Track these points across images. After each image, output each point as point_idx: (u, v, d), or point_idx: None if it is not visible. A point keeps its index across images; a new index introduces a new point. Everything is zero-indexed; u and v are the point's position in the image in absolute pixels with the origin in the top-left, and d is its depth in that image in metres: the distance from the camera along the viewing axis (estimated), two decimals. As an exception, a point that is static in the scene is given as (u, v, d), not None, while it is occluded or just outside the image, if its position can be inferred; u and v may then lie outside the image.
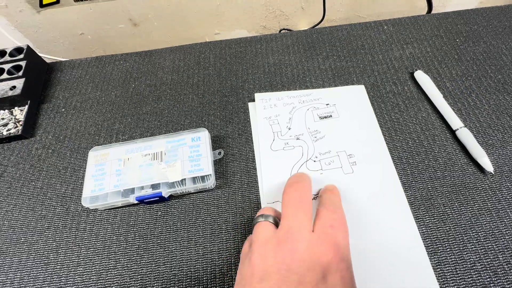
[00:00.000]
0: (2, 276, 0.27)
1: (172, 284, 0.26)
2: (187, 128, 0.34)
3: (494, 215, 0.27)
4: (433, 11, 0.55)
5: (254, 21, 0.59)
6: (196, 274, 0.26)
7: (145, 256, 0.27)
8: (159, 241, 0.28)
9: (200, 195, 0.30)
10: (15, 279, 0.27)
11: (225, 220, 0.28)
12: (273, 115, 0.34)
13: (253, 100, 0.36)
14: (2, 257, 0.28)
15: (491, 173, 0.29)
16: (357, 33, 0.41)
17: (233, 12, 0.56)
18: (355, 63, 0.38)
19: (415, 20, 0.42)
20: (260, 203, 0.29)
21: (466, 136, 0.31)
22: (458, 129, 0.31)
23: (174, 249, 0.27)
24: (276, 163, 0.31)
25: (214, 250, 0.27)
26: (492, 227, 0.27)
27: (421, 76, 0.35)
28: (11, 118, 0.36)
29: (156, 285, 0.26)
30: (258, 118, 0.34)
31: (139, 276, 0.26)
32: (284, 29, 0.61)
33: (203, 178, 0.29)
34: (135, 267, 0.27)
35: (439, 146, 0.31)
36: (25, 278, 0.27)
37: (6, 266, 0.27)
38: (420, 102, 0.35)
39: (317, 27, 0.44)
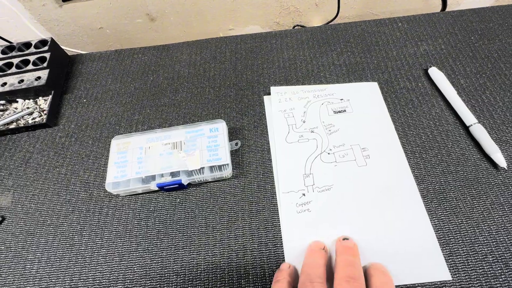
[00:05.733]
0: (30, 255, 0.29)
1: (190, 267, 0.27)
2: (204, 119, 0.35)
3: (506, 209, 0.28)
4: (447, 9, 0.55)
5: (268, 17, 0.60)
6: (214, 259, 0.27)
7: (165, 240, 0.28)
8: (178, 226, 0.29)
9: (217, 184, 0.31)
10: (43, 258, 0.28)
11: (241, 208, 0.29)
12: (288, 108, 0.35)
13: (269, 94, 0.37)
14: (30, 238, 0.29)
15: (504, 168, 0.29)
16: (371, 29, 0.42)
17: (247, 8, 0.57)
18: (369, 59, 0.39)
19: (430, 18, 0.42)
20: (275, 192, 0.30)
21: (480, 132, 0.31)
22: (471, 125, 0.32)
23: (192, 234, 0.28)
24: (291, 155, 0.32)
25: (231, 236, 0.28)
26: (505, 221, 0.27)
27: (435, 73, 0.36)
28: (36, 108, 0.37)
29: (175, 268, 0.27)
30: (274, 111, 0.35)
31: (159, 259, 0.28)
32: (297, 25, 0.62)
33: (220, 167, 0.30)
34: (156, 250, 0.28)
35: (452, 141, 0.32)
36: (52, 257, 0.28)
37: (34, 246, 0.29)
38: (433, 99, 0.35)
39: (331, 23, 0.44)
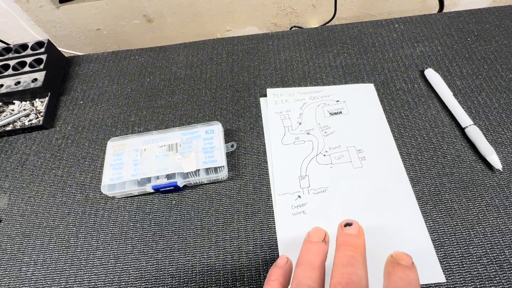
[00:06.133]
0: (26, 257, 0.29)
1: (186, 269, 0.27)
2: (200, 121, 0.35)
3: (501, 211, 0.28)
4: (445, 10, 0.55)
5: (265, 19, 0.60)
6: (209, 261, 0.27)
7: (161, 243, 0.28)
8: (173, 228, 0.29)
9: (213, 186, 0.31)
10: (39, 260, 0.28)
11: (237, 210, 0.30)
12: (284, 110, 0.35)
13: (265, 95, 0.37)
14: (26, 240, 0.29)
15: (499, 170, 0.29)
16: (368, 31, 0.42)
17: (244, 9, 0.57)
18: (366, 61, 0.39)
19: (426, 19, 0.42)
20: (270, 194, 0.30)
21: (475, 134, 0.31)
22: (467, 126, 0.32)
23: (188, 237, 0.29)
24: (287, 156, 0.32)
25: (226, 238, 0.28)
26: (499, 223, 0.27)
27: (431, 74, 0.36)
28: (32, 109, 0.37)
29: (171, 270, 0.27)
30: (270, 113, 0.35)
31: (154, 261, 0.28)
32: (294, 26, 0.62)
33: (216, 169, 0.30)
34: (151, 252, 0.28)
35: (448, 143, 0.32)
36: (47, 259, 0.28)
37: (30, 248, 0.29)
38: (430, 100, 0.35)
39: (327, 25, 0.44)
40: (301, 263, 0.20)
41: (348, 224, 0.21)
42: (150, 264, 0.27)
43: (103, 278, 0.27)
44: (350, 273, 0.18)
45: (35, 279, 0.27)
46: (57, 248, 0.29)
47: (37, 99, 0.38)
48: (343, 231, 0.21)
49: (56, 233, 0.30)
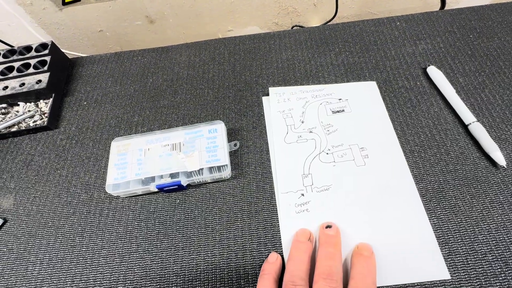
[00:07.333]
0: (32, 256, 0.29)
1: (190, 268, 0.27)
2: (203, 121, 0.35)
3: (506, 208, 0.28)
4: (446, 7, 0.55)
5: (267, 18, 0.60)
6: (213, 259, 0.27)
7: (165, 241, 0.29)
8: (177, 227, 0.29)
9: (216, 185, 0.31)
10: (44, 259, 0.29)
11: (240, 209, 0.30)
12: (286, 109, 0.35)
13: (267, 95, 0.37)
14: (31, 240, 0.30)
15: (503, 167, 0.29)
16: (369, 29, 0.42)
17: (246, 9, 0.57)
18: (368, 59, 0.39)
19: (428, 16, 0.42)
20: (274, 193, 0.30)
21: (479, 131, 0.31)
22: (470, 123, 0.32)
23: (192, 235, 0.29)
24: (290, 155, 0.32)
25: (230, 236, 0.28)
26: (504, 219, 0.27)
27: (433, 72, 0.36)
28: (37, 110, 0.38)
29: (175, 268, 0.27)
30: (272, 112, 0.35)
31: (159, 260, 0.28)
32: (296, 25, 0.62)
33: (219, 168, 0.30)
34: (156, 251, 0.28)
35: (451, 140, 0.32)
36: (53, 258, 0.29)
37: (36, 247, 0.29)
38: (432, 97, 0.35)
39: (329, 23, 0.45)
40: (292, 258, 0.25)
41: (328, 226, 0.26)
42: (155, 262, 0.28)
43: (109, 276, 0.27)
44: (330, 265, 0.23)
45: (41, 278, 0.28)
46: (63, 247, 0.29)
47: (41, 100, 0.38)
48: (324, 232, 0.26)
49: (61, 232, 0.30)
